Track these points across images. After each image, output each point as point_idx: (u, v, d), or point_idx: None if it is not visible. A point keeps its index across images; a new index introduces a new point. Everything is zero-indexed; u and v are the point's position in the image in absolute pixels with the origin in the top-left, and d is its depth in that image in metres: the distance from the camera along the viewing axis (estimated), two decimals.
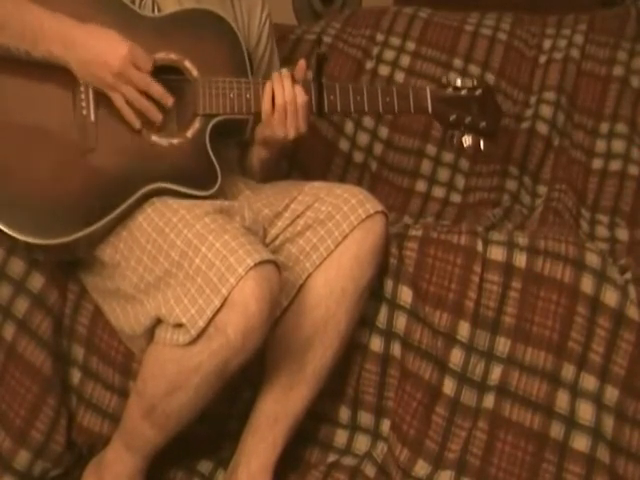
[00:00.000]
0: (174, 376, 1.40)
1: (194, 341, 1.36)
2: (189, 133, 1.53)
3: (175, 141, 1.52)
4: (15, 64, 1.46)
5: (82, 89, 1.49)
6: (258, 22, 1.75)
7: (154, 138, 1.51)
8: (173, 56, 1.54)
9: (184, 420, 1.46)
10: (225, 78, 1.55)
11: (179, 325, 1.38)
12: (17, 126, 1.45)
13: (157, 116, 1.50)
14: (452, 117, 1.67)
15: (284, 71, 1.57)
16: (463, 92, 1.68)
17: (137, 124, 1.49)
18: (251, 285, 1.34)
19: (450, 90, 1.68)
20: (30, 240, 1.42)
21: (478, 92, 1.69)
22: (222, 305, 1.34)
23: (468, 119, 1.67)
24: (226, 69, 1.57)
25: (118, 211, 1.46)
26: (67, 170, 1.46)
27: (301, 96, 1.54)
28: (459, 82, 1.69)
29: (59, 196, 1.44)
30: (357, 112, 1.63)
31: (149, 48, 1.51)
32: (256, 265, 1.34)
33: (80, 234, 1.43)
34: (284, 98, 1.53)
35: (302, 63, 1.60)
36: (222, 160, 1.54)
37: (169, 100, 1.50)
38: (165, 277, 1.41)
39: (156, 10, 1.59)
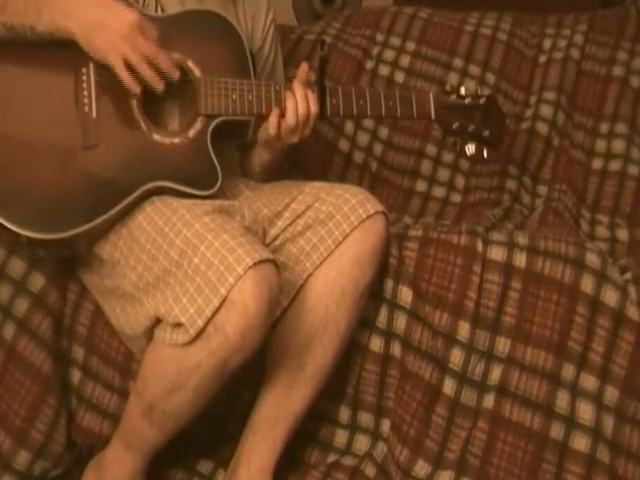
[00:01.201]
0: (173, 376, 1.40)
1: (193, 341, 1.36)
2: (190, 133, 1.53)
3: (176, 140, 1.52)
4: (17, 61, 1.46)
5: (85, 85, 1.48)
6: (262, 26, 1.75)
7: (155, 137, 1.51)
8: (176, 56, 1.54)
9: (184, 419, 1.46)
10: (228, 79, 1.55)
11: (178, 325, 1.38)
12: (19, 121, 1.45)
13: (159, 85, 1.46)
14: (455, 124, 1.67)
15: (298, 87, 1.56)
16: (467, 100, 1.68)
17: (137, 88, 1.45)
18: (250, 284, 1.34)
19: (454, 97, 1.68)
20: (31, 235, 1.42)
21: (482, 100, 1.68)
22: (221, 305, 1.33)
23: (471, 127, 1.67)
24: (229, 70, 1.57)
25: (118, 208, 1.45)
26: (68, 166, 1.45)
27: (314, 107, 1.55)
28: (463, 90, 1.69)
29: (59, 192, 1.44)
30: (359, 116, 1.63)
31: None
32: (255, 264, 1.34)
33: (79, 230, 1.43)
34: (297, 116, 1.53)
35: (305, 65, 1.60)
36: (223, 161, 1.54)
37: (175, 73, 1.47)
38: (164, 276, 1.41)
39: (159, 10, 1.59)
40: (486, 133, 1.67)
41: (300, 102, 1.54)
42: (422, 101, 1.64)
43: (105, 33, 1.42)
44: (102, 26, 1.42)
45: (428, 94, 1.66)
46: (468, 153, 1.68)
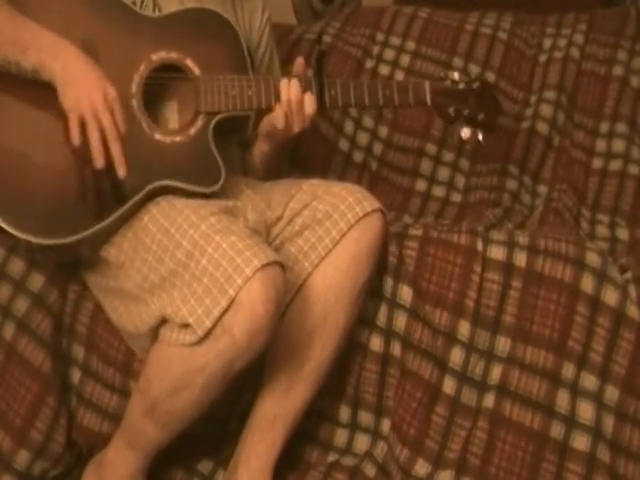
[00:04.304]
0: (179, 376, 1.40)
1: (200, 341, 1.36)
2: (192, 131, 1.53)
3: (178, 139, 1.52)
4: None
5: None
6: (259, 25, 1.75)
7: (157, 136, 1.51)
8: (174, 55, 1.54)
9: (187, 419, 1.46)
10: (226, 76, 1.55)
11: (185, 325, 1.38)
12: (20, 125, 1.45)
13: (99, 160, 1.38)
14: (450, 109, 1.68)
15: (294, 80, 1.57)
16: (461, 85, 1.69)
17: (76, 142, 1.39)
18: (258, 286, 1.34)
19: (448, 82, 1.70)
20: (32, 240, 1.41)
21: (476, 85, 1.70)
22: (229, 306, 1.34)
23: (466, 111, 1.68)
24: (227, 67, 1.58)
25: (122, 210, 1.45)
26: (70, 169, 1.45)
27: (310, 106, 1.55)
28: (456, 76, 1.71)
29: (62, 195, 1.44)
30: (358, 105, 1.64)
31: (150, 47, 1.51)
32: (263, 266, 1.34)
33: (83, 234, 1.43)
34: (289, 95, 1.54)
35: (300, 59, 1.61)
36: (224, 160, 1.54)
37: (122, 172, 1.39)
38: (170, 277, 1.41)
39: (157, 11, 1.59)
40: (481, 116, 1.69)
41: (292, 83, 1.55)
42: (418, 88, 1.66)
43: (80, 89, 1.39)
44: (81, 82, 1.39)
45: (424, 81, 1.67)
46: (464, 137, 1.70)
